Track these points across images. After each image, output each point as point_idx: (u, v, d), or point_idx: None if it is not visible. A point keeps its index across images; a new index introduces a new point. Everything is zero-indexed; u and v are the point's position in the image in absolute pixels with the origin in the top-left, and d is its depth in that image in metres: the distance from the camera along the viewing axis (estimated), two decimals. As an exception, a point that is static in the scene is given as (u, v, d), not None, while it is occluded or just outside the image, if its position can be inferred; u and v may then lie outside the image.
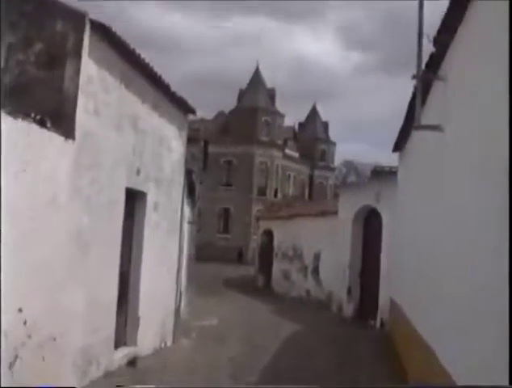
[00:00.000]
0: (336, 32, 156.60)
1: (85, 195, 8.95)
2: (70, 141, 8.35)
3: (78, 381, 9.03)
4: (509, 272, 5.02)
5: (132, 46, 10.01)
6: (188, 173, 16.99)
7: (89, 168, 9.04)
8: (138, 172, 11.19)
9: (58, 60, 8.53)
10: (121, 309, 11.05)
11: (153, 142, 12.09)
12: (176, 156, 14.01)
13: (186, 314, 19.63)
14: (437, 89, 9.64)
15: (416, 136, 12.92)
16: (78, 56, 8.65)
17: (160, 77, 11.60)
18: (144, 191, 11.70)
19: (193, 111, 14.66)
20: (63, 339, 8.32)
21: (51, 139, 7.80)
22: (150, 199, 11.99)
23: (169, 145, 13.30)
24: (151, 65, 10.94)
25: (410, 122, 11.33)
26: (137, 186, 11.28)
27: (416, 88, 9.35)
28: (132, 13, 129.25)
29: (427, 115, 10.02)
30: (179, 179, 14.44)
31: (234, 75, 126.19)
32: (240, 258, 60.48)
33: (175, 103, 13.37)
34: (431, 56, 8.89)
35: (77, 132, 8.60)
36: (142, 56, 10.47)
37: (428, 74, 9.13)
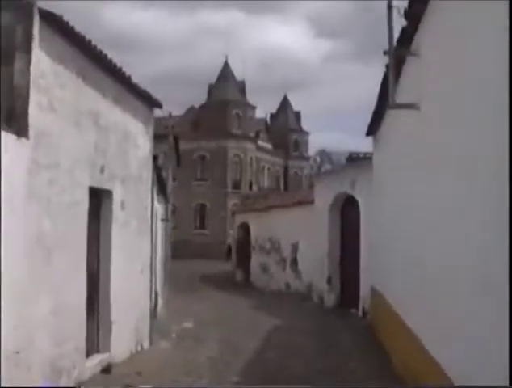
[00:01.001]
0: (306, 21, 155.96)
1: (44, 196, 8.45)
2: (24, 140, 7.83)
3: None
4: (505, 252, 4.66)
5: (88, 38, 9.51)
6: (157, 169, 16.56)
7: (47, 168, 8.54)
8: (102, 170, 10.71)
9: (6, 54, 7.98)
10: (92, 314, 10.57)
11: (117, 139, 11.61)
12: (143, 152, 13.54)
13: (164, 315, 19.20)
14: (410, 65, 9.34)
15: (390, 116, 12.65)
16: (28, 49, 8.12)
17: (120, 69, 11.12)
18: (110, 189, 11.22)
19: (159, 105, 14.20)
20: (28, 352, 7.83)
21: (2, 138, 7.27)
22: (117, 197, 11.51)
23: (134, 141, 12.82)
24: (109, 57, 10.44)
25: (384, 102, 11.02)
26: (102, 184, 10.79)
27: (388, 65, 9.00)
28: (98, 13, 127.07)
29: (402, 94, 9.69)
30: (147, 176, 13.97)
31: (204, 70, 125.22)
32: (229, 254, 60.23)
33: (139, 96, 12.91)
34: (403, 31, 8.55)
35: (31, 131, 8.08)
36: (99, 48, 9.95)
37: (400, 50, 8.79)
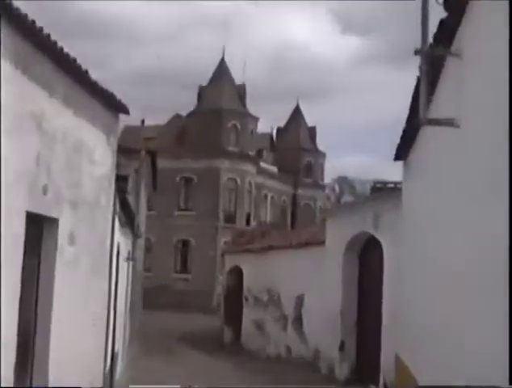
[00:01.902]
0: (329, 14, 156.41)
1: (-36, 223, 8.23)
2: None
3: None
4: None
5: (31, 19, 9.34)
6: (123, 193, 16.39)
7: (-31, 186, 8.33)
8: (45, 191, 10.48)
9: None
10: (23, 377, 10.30)
11: (67, 150, 11.42)
12: (102, 170, 13.36)
13: (124, 384, 18.88)
14: (450, 68, 9.17)
15: (424, 136, 12.49)
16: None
17: (74, 62, 10.95)
18: (55, 216, 11.00)
19: (125, 110, 14.05)
20: None
21: None
22: (64, 227, 11.29)
23: (90, 155, 12.64)
24: (60, 45, 10.27)
25: (416, 118, 10.81)
26: (44, 209, 10.57)
27: (420, 68, 8.83)
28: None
29: (438, 106, 9.53)
30: (107, 201, 13.79)
31: (195, 68, 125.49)
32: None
33: (99, 97, 12.76)
34: (442, 24, 8.38)
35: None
36: (47, 32, 9.79)
37: (438, 49, 8.62)
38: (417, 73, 10.12)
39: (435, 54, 8.77)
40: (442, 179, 10.61)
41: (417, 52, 8.46)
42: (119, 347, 18.76)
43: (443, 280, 10.26)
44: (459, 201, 8.85)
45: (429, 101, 9.01)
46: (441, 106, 9.59)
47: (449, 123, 8.57)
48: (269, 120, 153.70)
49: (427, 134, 11.90)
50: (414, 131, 13.35)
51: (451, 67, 9.18)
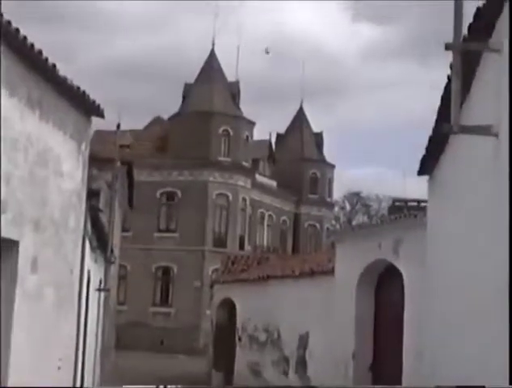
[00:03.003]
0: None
1: None
2: None
3: None
4: None
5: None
6: (95, 211, 16.41)
7: None
8: (3, 208, 10.49)
9: None
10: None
11: (30, 160, 11.42)
12: (71, 184, 13.38)
13: None
14: (488, 66, 9.18)
15: (455, 146, 12.49)
16: None
17: (39, 54, 10.98)
18: (15, 238, 11.00)
19: (98, 113, 14.07)
20: None
21: None
22: (25, 251, 11.30)
23: (57, 167, 12.65)
24: (22, 34, 10.30)
25: (445, 125, 10.84)
26: (2, 230, 10.57)
27: (453, 66, 8.85)
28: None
29: (472, 112, 9.55)
30: (77, 221, 13.80)
31: (179, 62, 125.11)
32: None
33: (68, 98, 12.77)
34: (478, 14, 8.42)
35: None
36: (6, 19, 9.82)
37: (473, 43, 8.65)
38: (447, 71, 10.16)
39: (470, 49, 8.81)
40: (475, 198, 10.62)
41: (448, 47, 8.48)
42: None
43: (480, 321, 10.26)
44: (496, 225, 8.85)
45: (462, 105, 9.02)
46: (476, 111, 9.62)
47: (485, 131, 8.59)
48: (267, 124, 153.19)
49: (458, 144, 11.92)
50: (443, 140, 13.36)
51: (488, 64, 9.21)
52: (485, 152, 9.18)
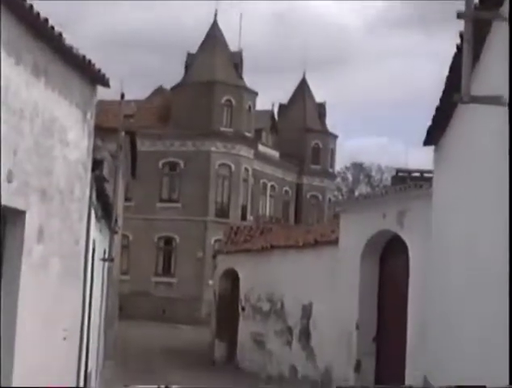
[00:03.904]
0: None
1: None
2: None
3: None
4: None
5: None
6: (100, 181, 16.35)
7: None
8: (9, 178, 10.44)
9: None
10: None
11: (36, 129, 11.36)
12: (77, 153, 13.31)
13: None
14: (498, 36, 9.10)
15: (464, 116, 12.43)
16: None
17: (46, 22, 10.90)
18: (21, 208, 10.95)
19: (104, 82, 13.99)
20: None
21: None
22: (31, 221, 11.24)
23: (63, 135, 12.58)
24: (28, 3, 10.22)
25: (453, 94, 10.77)
26: (8, 200, 10.52)
27: (463, 35, 8.78)
28: None
29: (482, 81, 9.47)
30: (82, 191, 13.75)
31: (182, 31, 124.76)
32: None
33: (74, 66, 12.69)
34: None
35: None
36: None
37: (484, 12, 8.58)
38: (453, 43, 10.11)
39: (481, 18, 8.74)
40: (483, 168, 10.57)
41: (460, 16, 8.40)
42: (92, 365, 18.73)
43: (485, 289, 10.23)
44: (505, 195, 8.80)
45: (471, 75, 8.95)
46: (485, 81, 9.55)
47: (496, 101, 8.53)
48: (269, 95, 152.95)
49: (466, 114, 11.86)
50: (450, 110, 13.30)
51: (498, 33, 9.13)
52: (494, 122, 9.12)
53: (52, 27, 11.20)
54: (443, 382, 13.85)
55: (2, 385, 10.75)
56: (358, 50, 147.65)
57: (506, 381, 4.39)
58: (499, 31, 9.01)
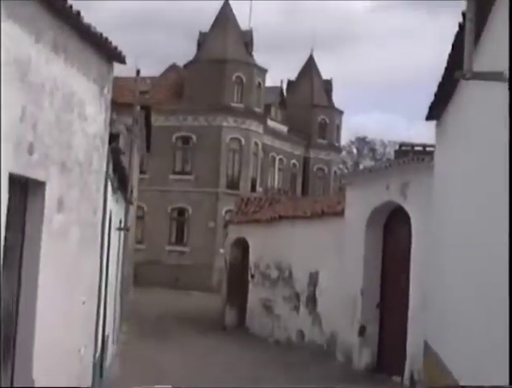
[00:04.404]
0: None
1: None
2: None
3: None
4: None
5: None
6: (116, 154, 16.34)
7: None
8: (31, 150, 10.42)
9: None
10: (4, 367, 10.29)
11: (56, 104, 11.33)
12: (95, 127, 13.29)
13: (116, 371, 18.98)
14: (499, 15, 9.05)
15: (465, 92, 12.40)
16: None
17: (64, 3, 10.85)
18: (42, 179, 10.94)
19: (121, 59, 13.95)
20: None
21: None
22: (51, 191, 11.22)
23: (82, 110, 12.54)
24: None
25: (456, 71, 10.72)
26: (29, 171, 10.50)
27: (465, 13, 8.73)
28: None
29: (483, 59, 9.43)
30: (100, 163, 13.74)
31: (194, 11, 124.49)
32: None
33: (91, 44, 12.64)
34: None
35: None
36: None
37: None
38: (457, 19, 10.04)
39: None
40: (483, 142, 10.54)
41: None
42: (109, 329, 18.79)
43: (482, 259, 10.22)
44: (502, 168, 8.77)
45: (474, 52, 8.91)
46: (486, 58, 9.51)
47: (497, 77, 8.50)
48: (278, 72, 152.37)
49: (468, 90, 11.82)
50: (452, 86, 13.26)
51: (500, 11, 9.08)
52: (496, 97, 9.09)
53: (71, 6, 11.17)
54: (443, 349, 13.92)
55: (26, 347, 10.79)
56: (363, 30, 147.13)
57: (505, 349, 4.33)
58: (500, 10, 8.96)
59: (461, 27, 9.89)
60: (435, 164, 16.62)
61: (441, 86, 13.94)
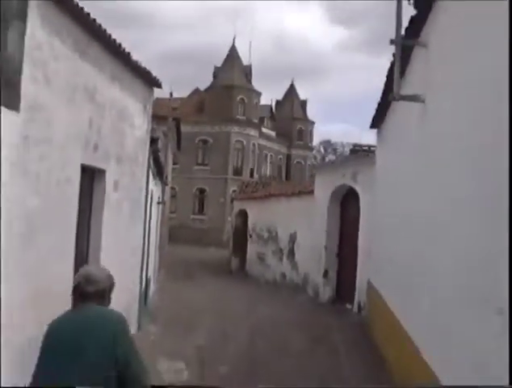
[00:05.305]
0: (320, 7, 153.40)
1: (33, 173, 8.25)
2: (14, 113, 7.62)
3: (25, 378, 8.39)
4: (510, 255, 4.48)
5: (86, 11, 9.29)
6: (155, 151, 16.39)
7: (37, 143, 8.33)
8: (95, 148, 10.51)
9: (-1, 22, 7.77)
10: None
11: (113, 117, 11.40)
12: (140, 133, 13.34)
13: (156, 301, 19.08)
14: (418, 56, 9.13)
15: (395, 109, 12.48)
16: (23, 18, 7.91)
17: (119, 45, 10.90)
18: (103, 168, 11.02)
19: (158, 85, 14.00)
20: (6, 332, 7.66)
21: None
22: (110, 177, 11.32)
23: (131, 121, 12.62)
24: (108, 32, 10.23)
25: (389, 94, 10.80)
26: (95, 163, 10.60)
27: (395, 54, 8.79)
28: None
29: (407, 86, 9.51)
30: (143, 158, 13.79)
31: (210, 51, 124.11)
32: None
33: (138, 74, 12.70)
34: (412, 20, 8.33)
35: (23, 104, 7.87)
36: (98, 22, 9.74)
37: (408, 40, 8.58)
38: (391, 59, 10.09)
39: (406, 44, 8.74)
40: (406, 143, 10.61)
41: (392, 42, 8.41)
42: (151, 273, 18.87)
43: (405, 221, 10.32)
44: (419, 160, 8.88)
45: (400, 81, 8.97)
46: (410, 85, 9.55)
47: (416, 99, 8.56)
48: (269, 94, 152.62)
49: (397, 107, 11.88)
50: (387, 105, 13.31)
51: (418, 54, 9.12)
52: (413, 111, 9.16)
53: (124, 48, 11.23)
54: (379, 283, 14.03)
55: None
56: (331, 64, 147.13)
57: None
58: (419, 52, 9.02)
59: (392, 64, 9.95)
60: (376, 158, 16.66)
61: (380, 104, 13.99)
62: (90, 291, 4.53)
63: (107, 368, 4.26)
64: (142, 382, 4.39)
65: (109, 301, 4.77)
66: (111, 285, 4.78)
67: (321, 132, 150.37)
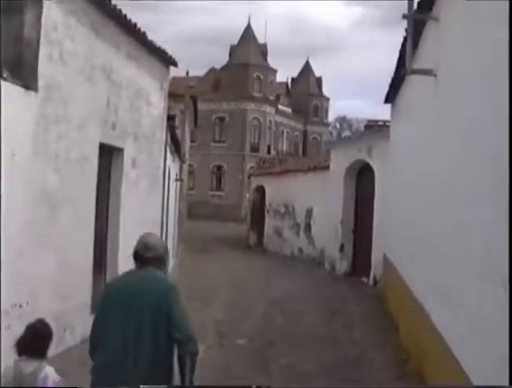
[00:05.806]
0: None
1: (52, 151, 8.34)
2: (32, 93, 7.69)
3: (53, 349, 8.52)
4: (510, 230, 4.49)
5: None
6: (172, 129, 16.42)
7: (56, 122, 8.42)
8: (113, 127, 10.57)
9: (16, 5, 7.81)
10: (99, 273, 10.53)
11: (130, 95, 11.46)
12: (157, 111, 13.37)
13: (175, 274, 19.19)
14: (430, 30, 9.04)
15: (408, 84, 12.40)
16: (39, 1, 7.94)
17: (135, 25, 10.91)
18: (121, 146, 11.09)
19: (174, 64, 14.01)
20: (30, 306, 7.79)
21: (9, 91, 7.13)
22: (128, 155, 11.39)
23: (148, 99, 12.65)
24: (124, 12, 10.24)
25: (402, 69, 10.73)
26: (113, 141, 10.67)
27: (407, 29, 8.72)
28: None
29: (420, 60, 9.44)
30: (161, 135, 13.83)
31: (227, 31, 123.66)
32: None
33: (154, 54, 12.71)
34: (424, -5, 8.24)
35: (41, 84, 7.94)
36: (113, 2, 9.75)
37: (420, 14, 8.50)
38: (404, 34, 10.01)
39: (419, 18, 8.67)
40: (419, 117, 10.55)
41: (404, 17, 8.33)
42: (170, 247, 18.96)
43: (418, 194, 10.30)
44: (433, 134, 8.83)
45: (413, 56, 8.91)
46: (422, 60, 9.48)
47: (428, 73, 8.51)
48: (285, 72, 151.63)
49: (411, 82, 11.79)
50: (400, 79, 13.21)
51: (430, 29, 9.05)
52: (427, 87, 9.10)
53: (140, 28, 11.23)
54: (394, 257, 14.04)
55: (113, 258, 10.99)
56: (344, 42, 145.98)
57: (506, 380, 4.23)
58: (431, 26, 8.94)
59: (405, 39, 9.87)
60: (390, 133, 16.58)
61: (393, 79, 13.90)
62: (148, 256, 4.85)
63: (160, 326, 4.51)
64: (192, 348, 4.61)
65: (166, 266, 5.10)
66: (167, 252, 5.17)
67: (336, 109, 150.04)
